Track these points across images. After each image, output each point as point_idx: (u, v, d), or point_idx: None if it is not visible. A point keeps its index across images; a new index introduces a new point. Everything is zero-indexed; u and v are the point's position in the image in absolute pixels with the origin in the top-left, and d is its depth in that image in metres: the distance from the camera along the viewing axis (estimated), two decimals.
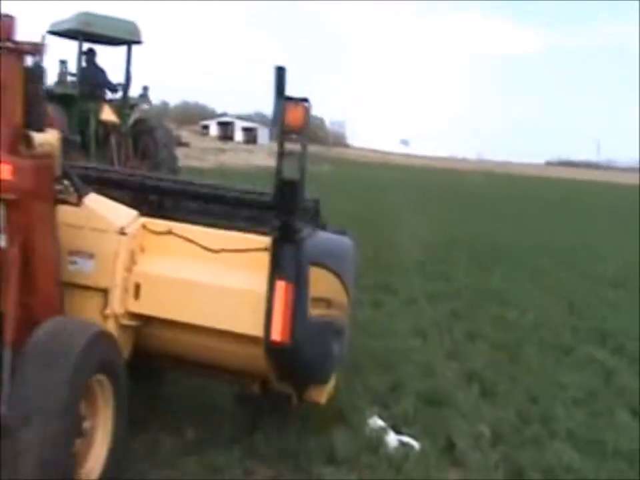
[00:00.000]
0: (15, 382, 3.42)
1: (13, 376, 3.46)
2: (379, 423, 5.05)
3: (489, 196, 36.18)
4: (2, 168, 3.58)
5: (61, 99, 12.49)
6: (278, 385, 4.34)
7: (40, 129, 3.84)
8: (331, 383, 4.58)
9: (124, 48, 13.71)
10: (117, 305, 4.19)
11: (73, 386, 3.37)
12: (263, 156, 53.69)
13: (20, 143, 3.75)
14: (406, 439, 4.85)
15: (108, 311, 4.18)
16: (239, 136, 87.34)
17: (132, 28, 13.58)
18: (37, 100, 3.85)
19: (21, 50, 3.73)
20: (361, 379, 5.81)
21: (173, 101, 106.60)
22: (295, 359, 4.08)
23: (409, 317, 8.31)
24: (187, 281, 4.20)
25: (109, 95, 13.66)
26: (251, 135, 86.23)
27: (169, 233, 4.35)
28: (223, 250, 4.26)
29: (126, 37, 13.54)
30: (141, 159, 12.81)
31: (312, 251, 4.09)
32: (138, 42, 13.71)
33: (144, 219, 4.40)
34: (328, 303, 4.22)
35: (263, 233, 4.25)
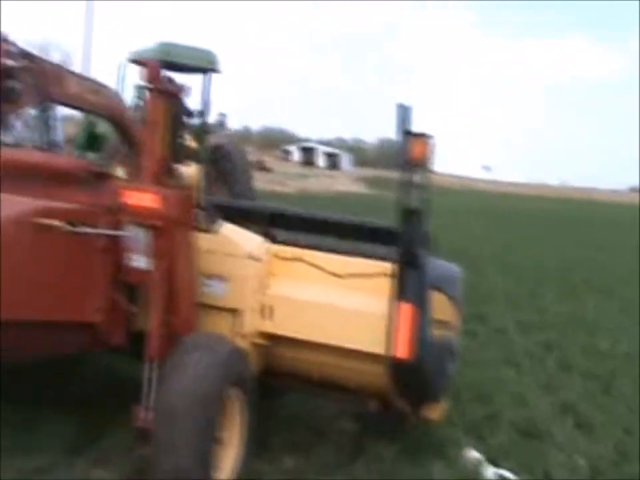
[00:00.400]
0: (159, 391, 3.82)
1: (157, 386, 3.88)
2: (475, 454, 5.05)
3: (573, 222, 35.66)
4: (149, 197, 4.01)
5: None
6: (396, 402, 4.59)
7: (182, 163, 4.25)
8: (444, 401, 4.82)
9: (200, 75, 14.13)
10: (248, 324, 4.55)
11: (211, 396, 3.75)
12: (345, 181, 54.17)
13: (165, 174, 4.20)
14: (503, 472, 4.86)
15: (239, 330, 4.53)
16: (321, 161, 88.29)
17: (211, 57, 14.07)
18: (179, 136, 4.25)
19: (166, 91, 4.19)
20: (456, 408, 5.76)
21: (255, 126, 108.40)
22: (415, 375, 4.35)
23: (500, 346, 8.37)
24: (314, 302, 4.56)
25: (187, 121, 14.13)
26: (333, 161, 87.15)
27: (298, 259, 4.78)
28: (348, 275, 4.66)
29: (205, 66, 14.00)
30: (219, 185, 13.07)
31: (431, 276, 4.37)
32: (216, 70, 14.18)
33: (273, 246, 4.83)
34: (444, 324, 4.54)
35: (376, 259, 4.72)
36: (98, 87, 5.73)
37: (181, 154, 4.40)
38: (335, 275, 4.69)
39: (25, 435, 4.58)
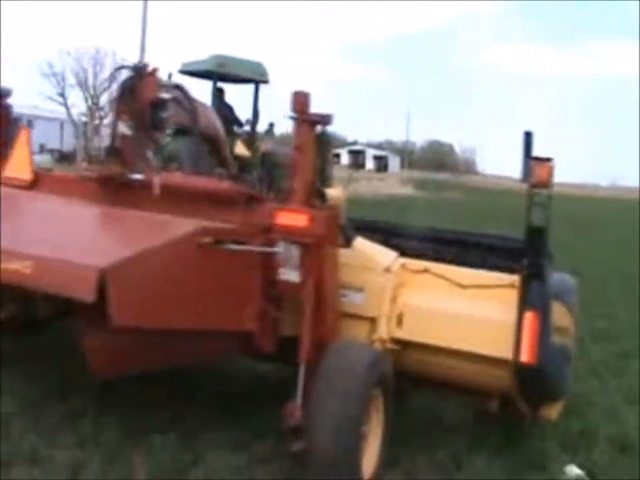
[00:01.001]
0: (313, 391, 4.23)
1: (309, 386, 4.30)
2: (577, 470, 5.00)
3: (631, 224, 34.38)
4: (300, 217, 4.47)
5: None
6: (517, 402, 4.98)
7: (329, 186, 4.88)
8: (561, 403, 5.20)
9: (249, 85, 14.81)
10: (383, 331, 4.97)
11: (359, 396, 4.16)
12: (394, 184, 54.04)
13: (314, 196, 4.68)
14: None
15: (375, 337, 4.95)
16: (370, 164, 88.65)
17: (261, 69, 14.82)
18: (326, 161, 4.78)
19: (313, 120, 4.63)
20: (550, 423, 5.62)
21: None
22: (538, 378, 4.75)
23: (579, 357, 8.26)
24: (441, 311, 4.98)
25: (237, 130, 14.52)
26: (381, 163, 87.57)
27: (426, 271, 5.22)
28: (471, 285, 5.08)
29: (256, 77, 14.70)
30: (271, 191, 13.45)
31: (553, 287, 4.81)
32: (266, 81, 14.86)
33: (402, 259, 5.27)
34: (563, 331, 4.99)
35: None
36: (204, 108, 6.30)
37: (329, 178, 4.88)
38: (459, 285, 5.10)
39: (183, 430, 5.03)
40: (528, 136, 4.71)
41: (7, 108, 5.99)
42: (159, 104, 5.28)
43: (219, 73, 14.32)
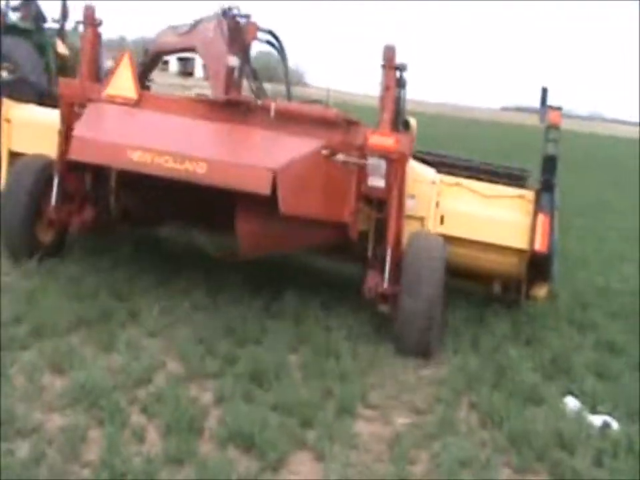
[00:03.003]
0: (405, 267, 5.90)
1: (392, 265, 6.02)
2: (575, 402, 5.39)
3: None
4: (388, 139, 6.04)
5: (23, 32, 12.85)
6: (519, 284, 6.89)
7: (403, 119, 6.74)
8: (549, 285, 6.87)
9: None
10: (430, 227, 6.63)
11: (440, 273, 5.88)
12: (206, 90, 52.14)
13: (398, 125, 6.51)
14: (607, 418, 5.11)
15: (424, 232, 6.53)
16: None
17: None
18: (402, 99, 6.59)
19: (396, 67, 6.33)
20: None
21: (131, 36, 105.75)
22: (546, 263, 6.61)
23: None
24: (473, 213, 6.69)
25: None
26: (187, 67, 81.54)
27: (458, 184, 6.81)
28: (493, 196, 6.76)
29: None
30: None
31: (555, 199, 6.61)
32: None
33: (440, 175, 6.84)
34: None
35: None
36: None
37: (403, 113, 6.70)
38: (483, 195, 6.76)
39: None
40: (544, 91, 6.70)
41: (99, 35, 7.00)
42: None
43: None
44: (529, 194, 6.69)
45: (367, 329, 6.30)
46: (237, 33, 6.70)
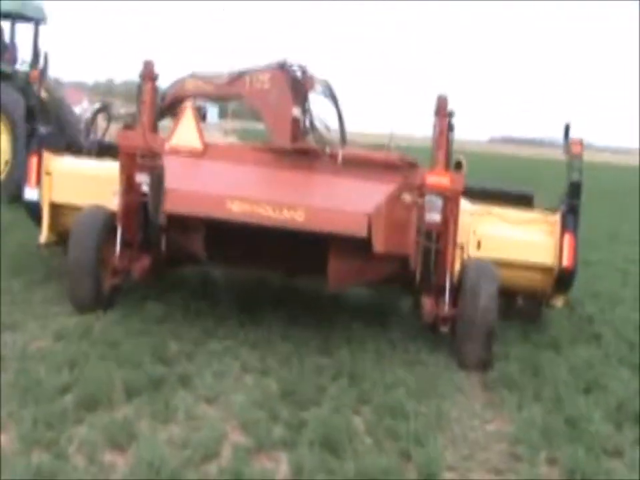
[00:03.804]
0: (465, 289, 6.65)
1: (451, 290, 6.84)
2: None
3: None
4: (444, 178, 6.77)
5: (7, 77, 13.25)
6: (547, 296, 7.62)
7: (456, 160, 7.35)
8: (566, 296, 7.74)
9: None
10: (469, 252, 7.22)
11: (496, 293, 6.56)
12: (217, 135, 53.12)
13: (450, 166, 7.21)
14: None
15: (465, 256, 7.16)
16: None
17: (38, 6, 14.51)
18: (451, 142, 7.31)
19: (448, 115, 7.22)
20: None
21: (119, 78, 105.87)
22: (572, 278, 7.41)
23: None
24: (504, 237, 7.38)
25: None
26: (199, 114, 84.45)
27: (489, 213, 7.46)
28: (519, 221, 7.48)
29: (31, 15, 14.36)
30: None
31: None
32: (43, 20, 14.53)
33: (475, 206, 7.45)
34: None
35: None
36: None
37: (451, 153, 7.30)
38: (511, 221, 7.46)
39: None
40: (567, 127, 7.44)
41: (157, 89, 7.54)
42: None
43: None
44: (551, 218, 7.48)
45: (424, 384, 6.01)
46: (297, 84, 7.35)
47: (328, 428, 4.83)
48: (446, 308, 6.71)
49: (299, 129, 7.36)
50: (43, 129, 7.98)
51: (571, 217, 7.32)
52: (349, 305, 8.25)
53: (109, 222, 6.94)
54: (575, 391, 6.14)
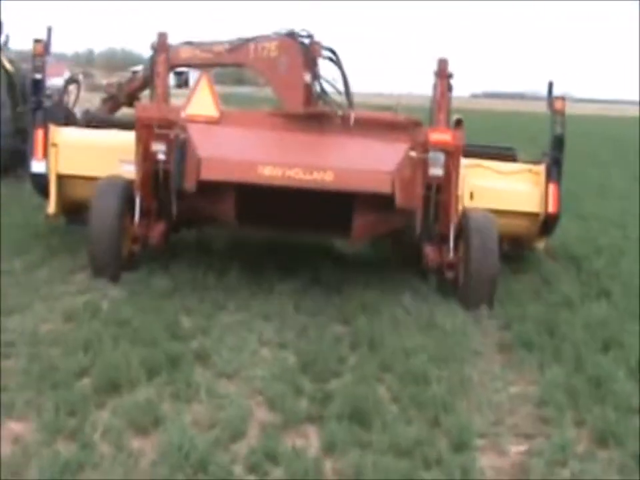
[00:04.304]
0: (468, 239, 7.07)
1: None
2: None
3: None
4: (446, 135, 7.29)
5: None
6: (525, 242, 8.39)
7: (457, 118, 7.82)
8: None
9: None
10: (464, 202, 7.60)
11: (496, 236, 7.08)
12: None
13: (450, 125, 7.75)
14: None
15: (460, 207, 7.46)
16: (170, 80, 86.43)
17: None
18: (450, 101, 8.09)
19: (449, 76, 8.01)
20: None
21: (99, 48, 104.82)
22: (555, 222, 8.15)
23: None
24: (495, 187, 8.01)
25: None
26: (182, 79, 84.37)
27: (478, 165, 7.98)
28: (506, 172, 8.11)
29: None
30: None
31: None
32: None
33: (466, 159, 7.72)
34: None
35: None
36: None
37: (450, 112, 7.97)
38: (499, 172, 8.09)
39: None
40: (550, 84, 8.16)
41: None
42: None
43: None
44: (536, 168, 8.10)
45: (442, 348, 5.93)
46: (307, 51, 7.72)
47: (354, 399, 4.74)
48: (451, 254, 7.18)
49: (310, 95, 7.69)
50: (47, 102, 8.02)
51: (555, 168, 7.97)
52: (356, 269, 8.15)
53: (127, 190, 7.15)
54: (593, 350, 6.06)
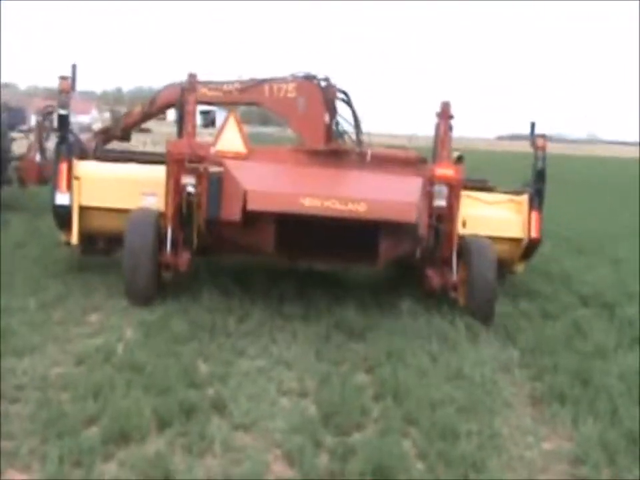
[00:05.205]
0: (469, 261, 7.98)
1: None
2: None
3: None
4: (449, 170, 8.15)
5: None
6: (508, 265, 8.98)
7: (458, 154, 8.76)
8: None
9: None
10: (459, 230, 8.21)
11: (495, 259, 8.02)
12: None
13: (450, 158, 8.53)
14: None
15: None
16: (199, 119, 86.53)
17: None
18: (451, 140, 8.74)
19: (450, 118, 8.73)
20: None
21: (127, 86, 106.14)
22: (537, 246, 9.02)
23: None
24: (483, 215, 8.73)
25: None
26: (208, 119, 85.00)
27: (467, 196, 8.54)
28: (493, 202, 8.97)
29: None
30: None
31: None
32: None
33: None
34: None
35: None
36: None
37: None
38: (486, 202, 8.94)
39: None
40: (532, 124, 9.26)
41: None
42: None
43: None
44: (518, 198, 9.01)
45: (470, 400, 5.63)
46: (325, 93, 8.55)
47: (377, 455, 4.47)
48: (454, 276, 7.94)
49: (330, 132, 8.52)
50: (71, 137, 8.30)
51: (537, 198, 8.91)
52: (380, 314, 7.90)
53: (158, 221, 7.57)
54: (630, 402, 5.75)
